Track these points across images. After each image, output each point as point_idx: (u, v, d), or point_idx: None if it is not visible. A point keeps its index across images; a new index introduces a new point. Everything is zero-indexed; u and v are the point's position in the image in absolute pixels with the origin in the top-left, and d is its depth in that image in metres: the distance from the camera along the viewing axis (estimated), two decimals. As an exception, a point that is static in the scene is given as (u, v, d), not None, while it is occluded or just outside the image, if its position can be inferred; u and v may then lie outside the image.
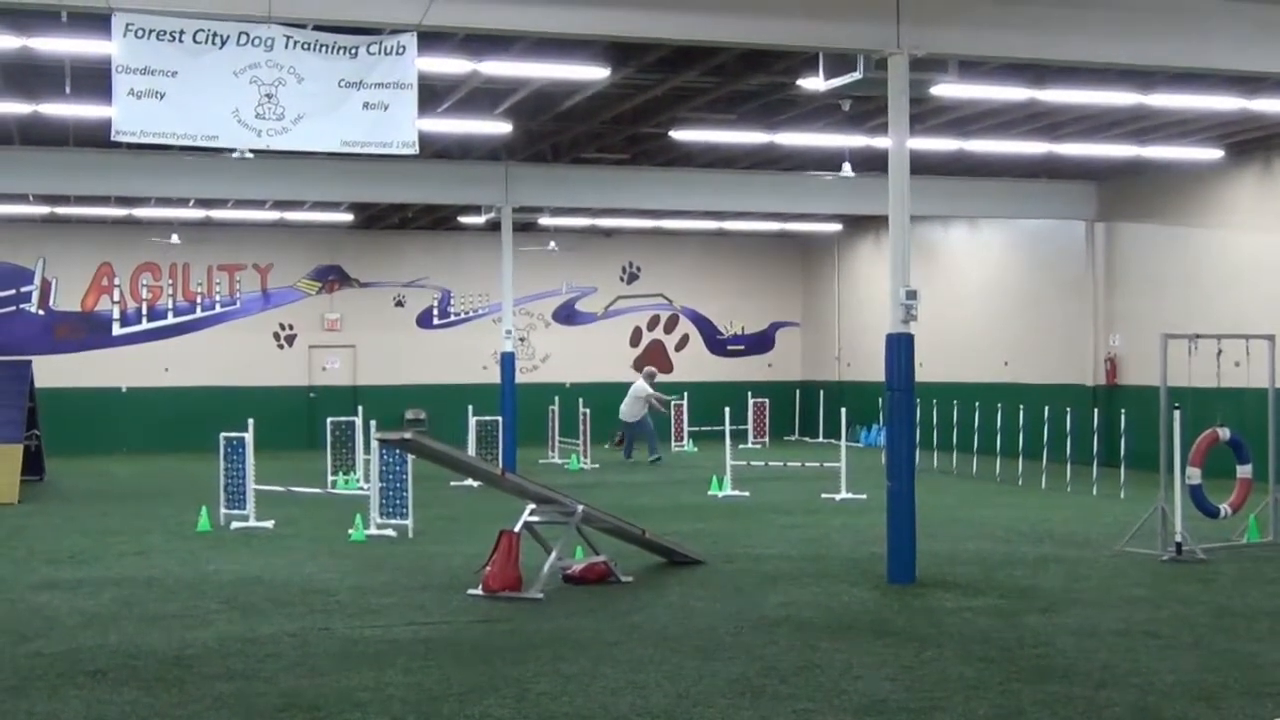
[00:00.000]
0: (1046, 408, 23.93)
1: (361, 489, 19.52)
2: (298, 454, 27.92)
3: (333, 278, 34.47)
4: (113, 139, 11.89)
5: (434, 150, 22.89)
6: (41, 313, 32.50)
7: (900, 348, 13.10)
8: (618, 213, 31.01)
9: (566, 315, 36.35)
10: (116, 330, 33.02)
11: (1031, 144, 22.92)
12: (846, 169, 22.92)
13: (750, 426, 32.41)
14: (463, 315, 35.42)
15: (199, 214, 30.60)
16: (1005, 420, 24.44)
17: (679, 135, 21.92)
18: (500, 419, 23.99)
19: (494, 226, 26.71)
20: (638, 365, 34.90)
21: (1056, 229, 28.20)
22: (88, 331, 32.74)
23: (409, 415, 33.35)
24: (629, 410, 28.55)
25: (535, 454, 28.36)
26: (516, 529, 12.75)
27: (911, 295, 13.00)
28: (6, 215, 30.60)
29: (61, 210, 29.88)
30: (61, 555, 14.98)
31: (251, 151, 14.34)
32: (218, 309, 33.72)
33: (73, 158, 23.00)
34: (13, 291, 32.32)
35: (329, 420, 23.05)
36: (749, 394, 33.29)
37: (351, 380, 34.23)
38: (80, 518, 18.73)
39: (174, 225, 31.95)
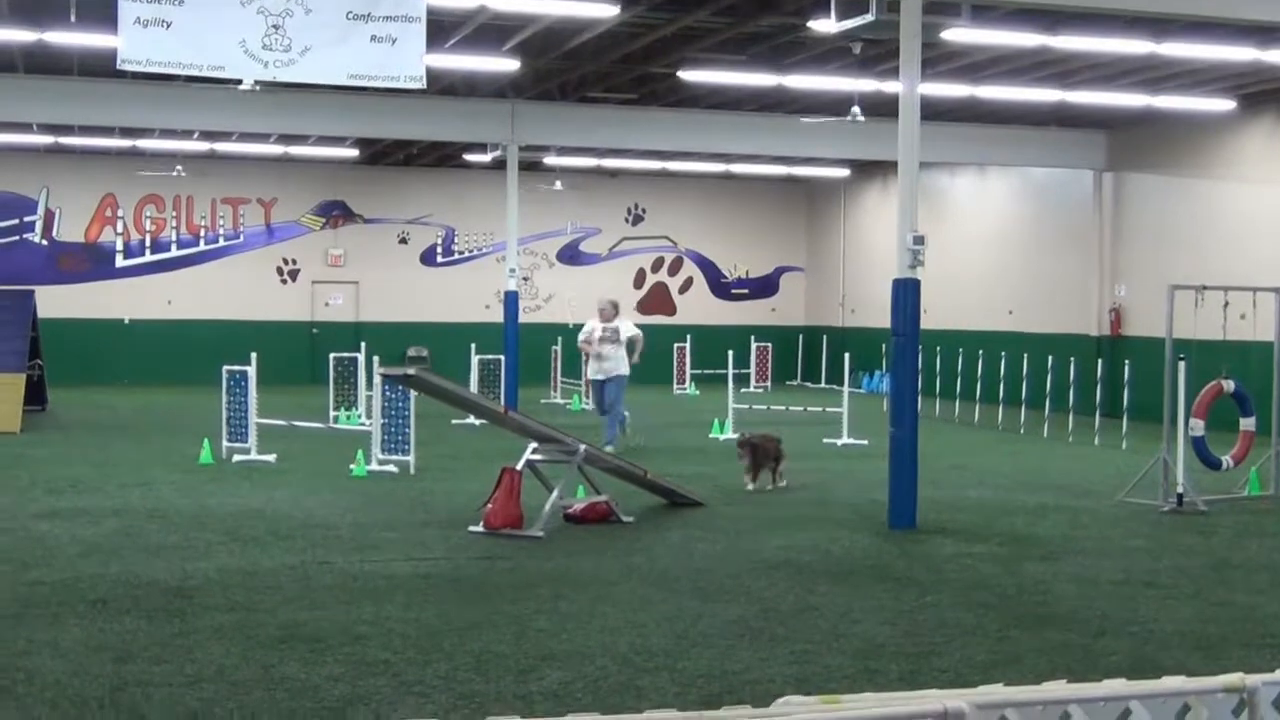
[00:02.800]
0: (1050, 357, 23.92)
1: (363, 425, 19.55)
2: (300, 389, 27.95)
3: (337, 213, 34.39)
4: (118, 68, 11.83)
5: (440, 87, 22.76)
6: (45, 243, 32.45)
7: (906, 293, 13.05)
8: (624, 153, 30.91)
9: (570, 255, 36.28)
10: (120, 262, 32.98)
11: (1042, 91, 22.78)
12: (856, 113, 22.79)
13: (753, 371, 32.39)
14: (466, 253, 35.36)
15: (203, 146, 30.49)
16: (1009, 369, 24.42)
17: (687, 76, 21.78)
18: (503, 358, 24.01)
19: (499, 165, 26.60)
20: (642, 306, 34.80)
21: (1065, 178, 28.08)
22: (91, 263, 32.71)
23: (411, 353, 33.36)
24: (615, 360, 19.42)
25: (537, 394, 28.37)
26: (518, 467, 12.75)
27: (919, 240, 12.94)
28: (10, 144, 30.47)
29: (65, 140, 29.76)
30: (63, 485, 15.00)
31: (258, 83, 14.30)
32: (221, 242, 33.67)
33: (77, 87, 22.88)
34: (16, 221, 32.26)
35: (331, 356, 23.05)
36: (752, 338, 33.25)
37: (354, 316, 34.21)
38: (82, 448, 18.76)
39: (178, 157, 31.84)
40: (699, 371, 31.98)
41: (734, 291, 37.62)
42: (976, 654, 8.21)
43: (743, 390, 27.52)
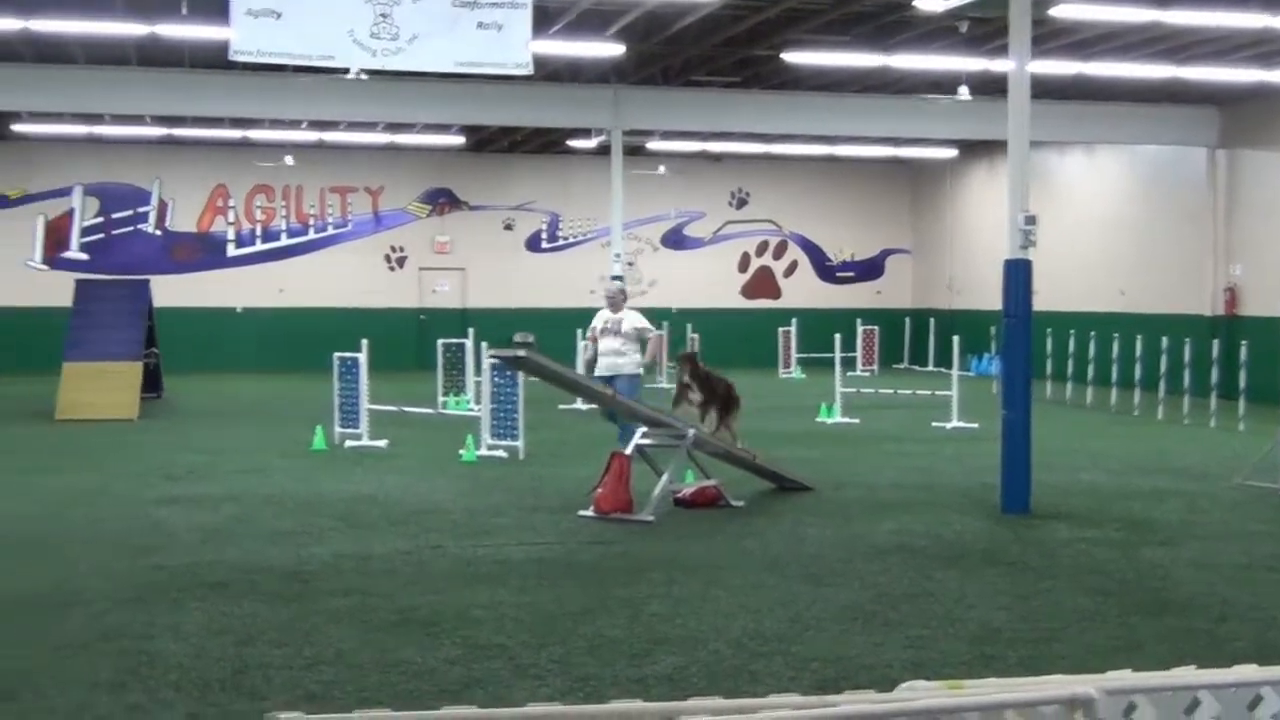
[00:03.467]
0: (1164, 338, 23.50)
1: (472, 410, 19.69)
2: (408, 375, 28.21)
3: (443, 200, 34.66)
4: (230, 59, 11.99)
5: (545, 73, 22.83)
6: (159, 233, 33.05)
7: (1017, 274, 12.88)
8: (727, 136, 30.82)
9: (675, 240, 36.27)
10: (231, 251, 33.51)
11: (1153, 67, 22.36)
12: (963, 92, 22.53)
13: (859, 354, 32.19)
14: (571, 239, 35.48)
15: (312, 136, 30.85)
16: (1121, 350, 24.03)
17: (791, 58, 21.66)
18: (609, 343, 24.01)
19: (603, 150, 26.65)
20: (746, 291, 34.72)
21: (1177, 155, 27.55)
22: (204, 252, 33.26)
23: (517, 338, 33.36)
24: (624, 356, 16.17)
25: (643, 378, 28.34)
26: (627, 451, 12.77)
27: (1030, 220, 12.76)
28: (124, 136, 31.07)
29: (178, 132, 30.27)
30: (180, 471, 15.27)
31: (365, 72, 14.43)
32: (330, 231, 34.09)
33: (189, 79, 23.26)
34: (131, 212, 32.89)
35: (440, 342, 23.25)
36: (858, 321, 33.04)
37: (461, 303, 34.47)
38: (197, 435, 19.08)
39: (287, 147, 32.27)
40: (804, 355, 31.82)
41: (839, 275, 37.39)
42: (1096, 640, 8.09)
43: (849, 374, 27.34)
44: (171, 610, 8.69)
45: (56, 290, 28.65)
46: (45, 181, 32.46)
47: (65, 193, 32.60)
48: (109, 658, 7.56)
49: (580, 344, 24.00)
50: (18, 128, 29.47)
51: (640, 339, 16.15)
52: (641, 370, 16.27)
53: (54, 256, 32.43)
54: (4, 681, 7.08)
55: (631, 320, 16.18)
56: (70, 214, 32.65)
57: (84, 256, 32.44)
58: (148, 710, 6.64)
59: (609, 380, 15.80)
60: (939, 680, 4.54)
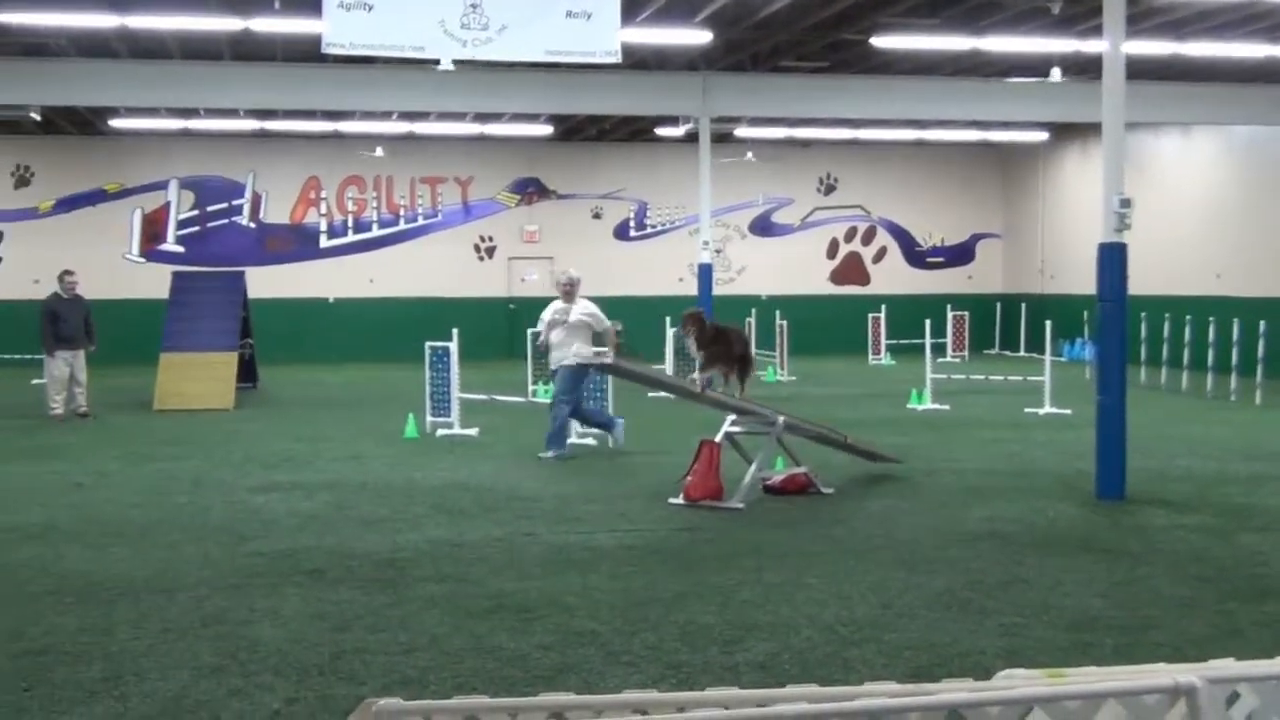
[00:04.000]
0: (1262, 322, 23.07)
1: (562, 398, 19.76)
2: (498, 364, 28.40)
3: (531, 190, 34.81)
4: (323, 51, 12.12)
5: (633, 61, 22.85)
6: (253, 225, 33.49)
7: (1112, 258, 12.71)
8: (816, 122, 30.68)
9: (763, 227, 36.18)
10: (324, 242, 33.89)
11: (1250, 46, 21.97)
12: (1056, 74, 22.26)
13: (949, 340, 31.95)
14: (659, 227, 35.50)
15: (402, 128, 31.11)
16: (1217, 334, 23.65)
17: (880, 42, 21.51)
18: (697, 330, 24.02)
19: (691, 138, 26.62)
20: (835, 277, 34.59)
21: (1273, 136, 27.04)
22: (297, 243, 33.67)
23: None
24: (570, 348, 15.72)
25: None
26: (717, 439, 12.78)
27: (1125, 203, 12.59)
28: (219, 130, 31.50)
29: (271, 125, 30.64)
30: (276, 459, 15.48)
31: (454, 62, 14.49)
32: (420, 221, 34.36)
33: (282, 72, 23.54)
34: (225, 205, 33.36)
35: (529, 331, 23.34)
36: (948, 307, 32.78)
37: (550, 291, 34.56)
38: (292, 423, 19.33)
39: (378, 139, 32.57)
40: (894, 341, 31.64)
41: (929, 260, 37.11)
42: (1194, 627, 7.99)
43: (939, 360, 27.15)
44: (270, 596, 8.83)
45: (154, 282, 29.17)
46: (142, 175, 33.01)
47: (161, 186, 33.13)
48: (210, 642, 7.69)
49: (670, 333, 24.04)
50: (115, 123, 29.98)
51: (592, 329, 15.76)
52: (590, 360, 15.41)
53: (151, 249, 33.00)
54: (109, 665, 7.23)
55: (579, 311, 15.83)
56: (166, 207, 33.19)
57: (180, 249, 32.97)
58: (247, 694, 6.75)
59: (555, 374, 15.82)
60: (1035, 668, 4.49)
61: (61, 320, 20.16)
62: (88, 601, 8.66)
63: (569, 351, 15.62)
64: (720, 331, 13.29)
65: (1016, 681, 3.52)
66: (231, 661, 7.32)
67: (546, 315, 15.95)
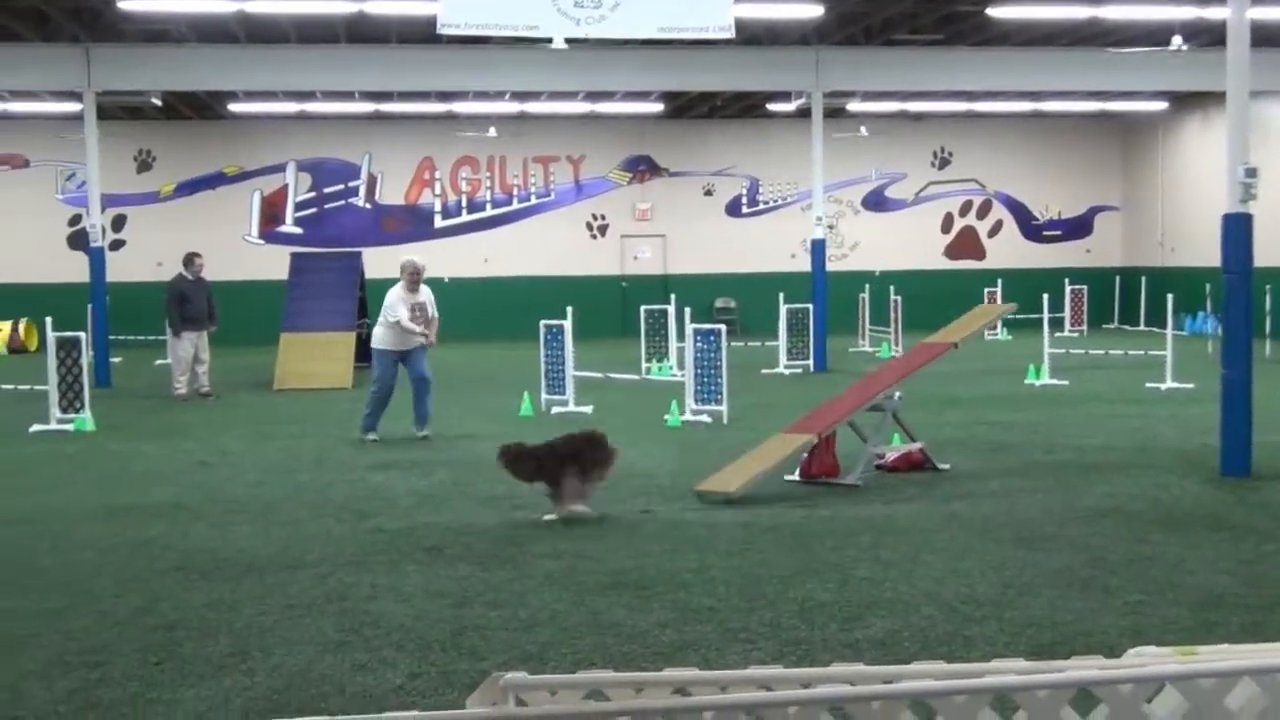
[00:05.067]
0: (1393, 293, 22.47)
1: (675, 376, 19.80)
2: (611, 342, 28.49)
3: (643, 168, 34.84)
4: (438, 32, 12.19)
5: (744, 36, 22.74)
6: (369, 206, 33.90)
7: (1237, 229, 12.43)
8: (929, 96, 30.33)
9: (876, 202, 35.90)
10: (438, 222, 34.21)
11: (1382, 10, 21.33)
12: (1177, 42, 21.79)
13: (1067, 314, 31.49)
14: (771, 203, 35.36)
15: (514, 107, 31.27)
16: (1347, 307, 23.04)
17: (996, 13, 21.22)
18: (811, 307, 23.94)
19: (803, 113, 26.46)
20: (950, 252, 34.23)
21: None
22: (412, 224, 34.02)
23: (719, 304, 33.61)
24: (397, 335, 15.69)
25: (846, 342, 28.21)
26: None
27: (1251, 173, 12.30)
28: (335, 113, 31.90)
29: (385, 107, 30.97)
30: (394, 437, 15.66)
31: (567, 41, 14.55)
32: (533, 200, 34.54)
33: (396, 54, 23.77)
34: (342, 186, 33.80)
35: (642, 308, 23.41)
36: (1066, 281, 32.30)
37: (662, 269, 34.64)
38: (409, 403, 19.49)
39: (491, 119, 32.77)
40: (1011, 316, 31.22)
41: (1046, 233, 36.58)
42: (1325, 606, 7.81)
43: (1057, 334, 26.80)
44: (391, 572, 8.94)
45: (273, 264, 29.65)
46: (260, 158, 33.55)
47: (279, 169, 33.65)
48: (333, 618, 7.81)
49: (783, 310, 23.95)
50: (234, 107, 30.48)
51: (428, 317, 15.64)
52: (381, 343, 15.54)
53: (269, 231, 33.55)
54: (236, 640, 7.38)
55: (425, 298, 15.69)
56: (284, 189, 33.70)
57: (298, 230, 33.48)
58: (371, 669, 6.85)
59: (405, 355, 15.54)
60: (1162, 646, 4.42)
61: (188, 301, 20.56)
62: (214, 577, 8.84)
63: (419, 337, 15.51)
64: (546, 448, 10.83)
65: (1148, 659, 3.47)
66: (355, 637, 7.43)
67: (398, 300, 15.46)
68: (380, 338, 15.62)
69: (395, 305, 15.43)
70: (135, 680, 6.70)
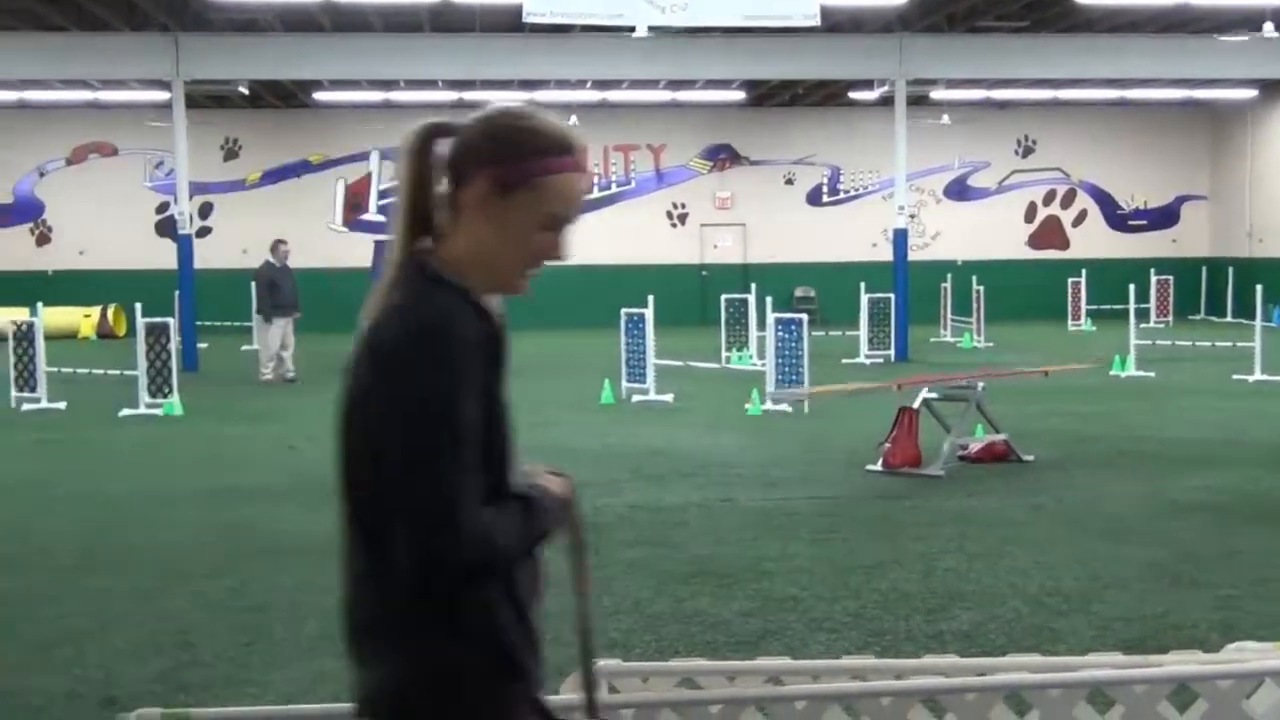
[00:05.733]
0: None
1: (756, 365, 19.77)
2: (691, 330, 28.47)
3: (723, 156, 34.79)
4: (524, 21, 12.24)
5: (827, 24, 22.64)
6: (449, 194, 34.05)
7: (1331, 220, 12.22)
8: (1014, 83, 30.04)
9: (958, 191, 35.62)
10: (518, 210, 34.29)
11: None
12: (1269, 29, 21.43)
13: (1153, 305, 31.10)
14: (852, 192, 35.19)
15: (595, 96, 31.31)
16: None
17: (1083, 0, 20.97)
18: (892, 297, 23.81)
19: (885, 101, 26.31)
20: (1033, 241, 33.95)
21: None
22: (493, 212, 34.13)
23: (798, 294, 33.51)
24: None
25: (927, 332, 28.02)
26: (915, 406, 12.66)
27: (1346, 163, 12.08)
28: (418, 101, 32.06)
29: (468, 95, 31.10)
30: (477, 424, 15.73)
31: (650, 29, 14.57)
32: (614, 189, 34.58)
33: (479, 43, 23.87)
34: (423, 174, 33.95)
35: (722, 297, 23.39)
36: (1151, 271, 31.89)
37: (742, 258, 34.59)
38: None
39: (572, 107, 32.81)
40: (1095, 307, 30.88)
41: (1131, 223, 36.14)
42: None
43: (1142, 325, 26.45)
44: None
45: (356, 251, 29.92)
46: (344, 147, 33.84)
47: (363, 157, 33.93)
48: (420, 602, 7.87)
49: (864, 299, 23.83)
50: (319, 96, 30.77)
51: None
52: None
53: (353, 219, 33.83)
54: (324, 623, 7.39)
55: None
56: (368, 178, 33.98)
57: (381, 218, 33.72)
58: (458, 653, 6.89)
59: None
60: (1259, 642, 4.37)
61: (278, 288, 20.80)
62: (303, 560, 8.95)
63: None
64: None
65: (1248, 654, 3.43)
66: (442, 621, 7.48)
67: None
68: None
69: None
70: (226, 661, 6.81)
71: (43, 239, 33.76)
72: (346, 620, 2.46)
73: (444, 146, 2.43)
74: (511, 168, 2.41)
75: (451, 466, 2.31)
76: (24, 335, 17.97)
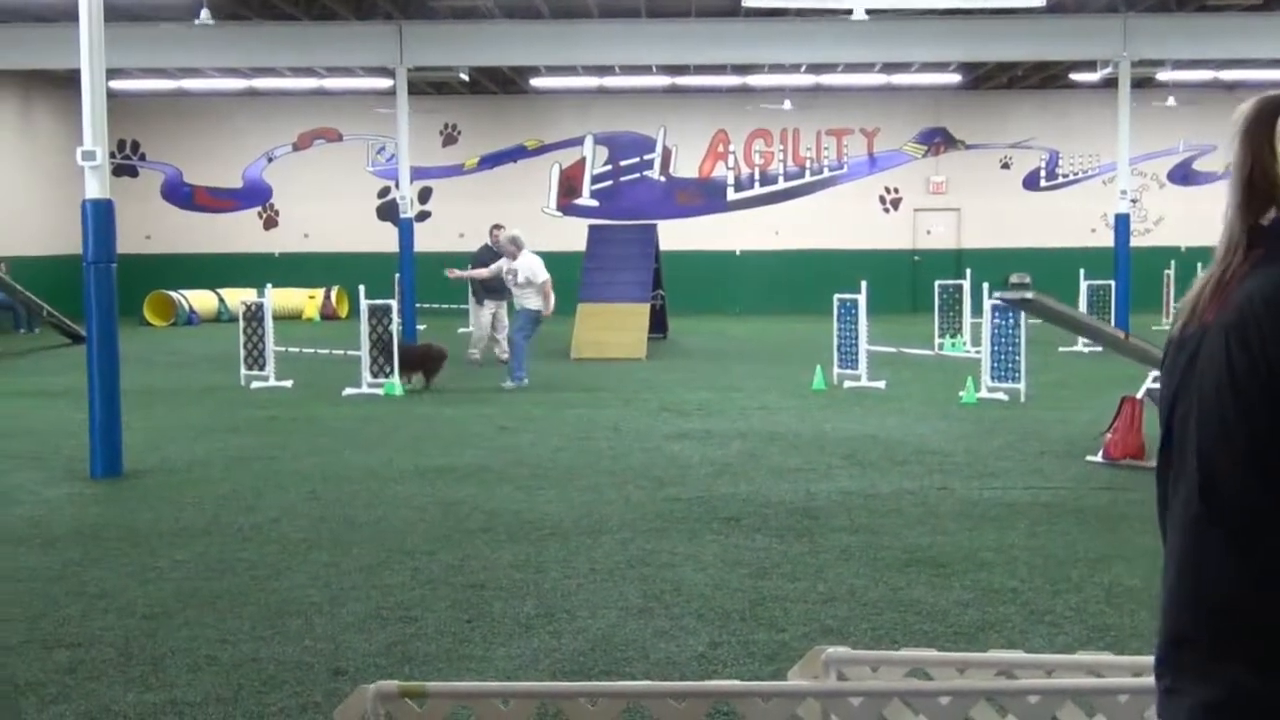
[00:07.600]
0: None
1: (969, 352, 19.47)
2: (902, 316, 28.18)
3: (938, 140, 34.28)
4: (743, 5, 12.23)
5: (1049, 4, 22.13)
6: (663, 179, 34.28)
7: None
8: (1245, 64, 28.94)
9: (1182, 175, 34.50)
10: (731, 195, 34.35)
11: None
12: None
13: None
14: (1071, 176, 34.36)
15: (809, 80, 31.14)
16: None
17: (1322, -24, 20.12)
18: (1113, 283, 23.21)
19: (1108, 83, 25.62)
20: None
21: None
22: (704, 197, 34.26)
23: (1014, 279, 32.77)
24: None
25: (1149, 320, 27.22)
26: (1139, 395, 12.31)
27: None
28: (632, 87, 32.36)
29: (681, 80, 31.24)
30: (689, 408, 15.85)
31: (867, 12, 14.42)
32: (825, 173, 34.36)
33: (694, 28, 23.94)
34: (637, 159, 34.26)
35: (936, 283, 23.07)
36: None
37: (955, 244, 34.06)
38: (702, 374, 19.73)
39: (785, 91, 32.72)
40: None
41: (1370, 209, 34.54)
42: None
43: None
44: (689, 541, 9.06)
45: (569, 235, 30.28)
46: (559, 132, 34.27)
47: (577, 143, 34.32)
48: (635, 584, 7.97)
49: (1083, 286, 23.26)
50: (535, 82, 31.22)
51: (532, 284, 18.12)
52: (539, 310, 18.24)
53: (567, 204, 34.25)
54: (542, 602, 7.60)
55: (525, 269, 18.29)
56: (582, 163, 34.36)
57: (594, 203, 34.10)
58: (673, 635, 6.96)
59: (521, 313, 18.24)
60: None
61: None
62: (519, 539, 9.12)
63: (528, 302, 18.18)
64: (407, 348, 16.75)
65: None
66: (657, 603, 7.56)
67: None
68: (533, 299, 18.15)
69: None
70: (448, 636, 6.97)
71: (270, 222, 34.94)
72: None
73: None
74: None
75: None
76: (253, 315, 18.63)
